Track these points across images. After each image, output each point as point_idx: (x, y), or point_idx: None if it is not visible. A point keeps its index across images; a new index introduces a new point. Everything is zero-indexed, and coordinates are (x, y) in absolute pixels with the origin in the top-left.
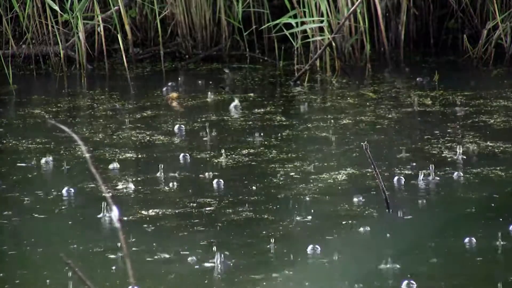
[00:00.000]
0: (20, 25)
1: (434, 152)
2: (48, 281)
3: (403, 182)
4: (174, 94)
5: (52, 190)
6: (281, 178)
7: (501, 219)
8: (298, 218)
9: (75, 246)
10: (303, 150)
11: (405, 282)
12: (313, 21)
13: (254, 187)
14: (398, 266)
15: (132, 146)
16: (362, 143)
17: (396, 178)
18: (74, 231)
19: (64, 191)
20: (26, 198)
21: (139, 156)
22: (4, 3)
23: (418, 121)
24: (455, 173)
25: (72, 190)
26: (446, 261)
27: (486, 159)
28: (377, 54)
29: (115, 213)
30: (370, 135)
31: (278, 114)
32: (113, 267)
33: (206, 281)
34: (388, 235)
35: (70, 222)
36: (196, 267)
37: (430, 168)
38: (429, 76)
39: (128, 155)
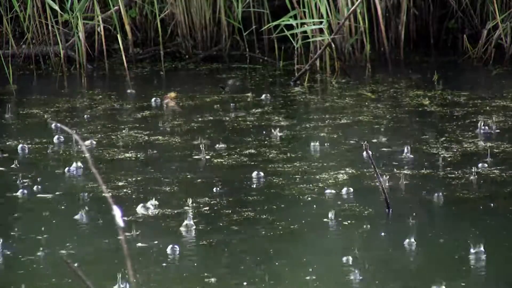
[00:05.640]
0: (20, 25)
1: (433, 152)
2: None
3: (399, 184)
4: (172, 94)
5: (53, 189)
6: (281, 178)
7: (501, 220)
8: (297, 217)
9: (75, 245)
10: (302, 150)
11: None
12: (313, 22)
13: (254, 187)
14: (395, 266)
15: (131, 146)
16: (362, 143)
17: (392, 181)
18: (74, 230)
19: (65, 190)
20: (26, 198)
21: (138, 156)
22: (4, 3)
23: (418, 121)
24: (455, 173)
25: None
26: (444, 262)
27: (486, 159)
28: (377, 54)
29: (117, 212)
30: (370, 135)
31: (278, 114)
32: (114, 267)
33: (206, 281)
34: (384, 234)
35: (70, 222)
36: (195, 266)
37: (429, 167)
38: (429, 76)
39: (127, 155)
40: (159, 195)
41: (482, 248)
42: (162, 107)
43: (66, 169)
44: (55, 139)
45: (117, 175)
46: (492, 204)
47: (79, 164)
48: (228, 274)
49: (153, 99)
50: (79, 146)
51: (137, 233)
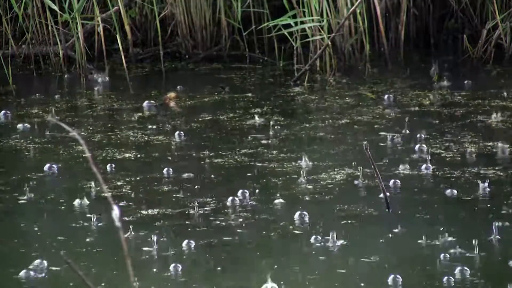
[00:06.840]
0: (20, 25)
1: (433, 151)
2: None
3: (399, 185)
4: (172, 94)
5: (52, 189)
6: (281, 178)
7: (499, 220)
8: (297, 218)
9: (74, 245)
10: (302, 150)
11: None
12: (312, 20)
13: (253, 187)
14: (395, 266)
15: (130, 146)
16: (363, 143)
17: (392, 181)
18: (74, 230)
19: (63, 190)
20: (25, 198)
21: (138, 156)
22: (4, 3)
23: (417, 120)
24: (454, 173)
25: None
26: (443, 262)
27: (485, 159)
28: (377, 54)
29: (116, 212)
30: (370, 135)
31: (278, 114)
32: (113, 267)
33: (206, 282)
34: (384, 234)
35: (70, 221)
36: (195, 266)
37: (428, 167)
38: (429, 76)
39: (126, 155)
40: (159, 195)
41: (480, 248)
42: (162, 107)
43: (66, 169)
44: (54, 139)
45: (117, 175)
46: (490, 205)
47: (79, 164)
48: (228, 275)
49: (153, 99)
50: (80, 146)
51: (135, 233)
